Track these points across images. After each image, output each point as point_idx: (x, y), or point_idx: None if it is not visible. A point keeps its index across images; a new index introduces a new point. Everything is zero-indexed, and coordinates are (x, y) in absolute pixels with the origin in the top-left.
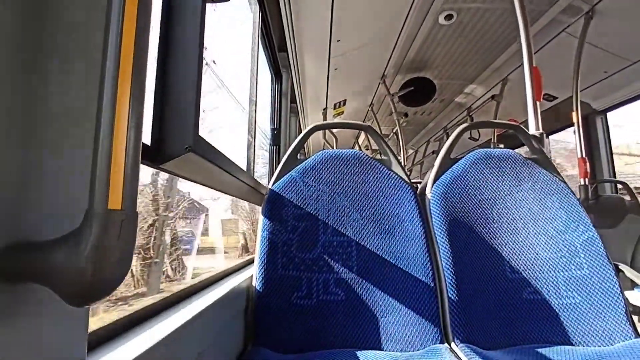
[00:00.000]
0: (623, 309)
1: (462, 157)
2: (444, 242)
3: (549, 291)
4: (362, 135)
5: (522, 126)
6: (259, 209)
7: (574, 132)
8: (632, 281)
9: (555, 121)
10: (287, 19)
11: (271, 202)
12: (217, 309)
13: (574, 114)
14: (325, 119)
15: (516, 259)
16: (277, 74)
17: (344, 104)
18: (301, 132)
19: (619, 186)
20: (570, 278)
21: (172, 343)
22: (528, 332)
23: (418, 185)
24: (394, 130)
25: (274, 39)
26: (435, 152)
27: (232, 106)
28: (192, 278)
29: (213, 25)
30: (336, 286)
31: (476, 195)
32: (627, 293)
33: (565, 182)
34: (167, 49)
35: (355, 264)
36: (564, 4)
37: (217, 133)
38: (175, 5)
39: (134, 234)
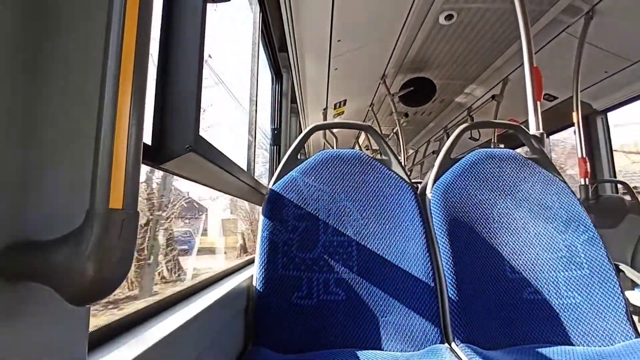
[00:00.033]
0: (623, 309)
1: (463, 157)
2: (444, 242)
3: (549, 291)
4: (363, 135)
5: (522, 126)
6: (258, 208)
7: (574, 132)
8: (632, 281)
9: (556, 121)
10: (287, 19)
11: (271, 202)
12: (217, 309)
13: (574, 114)
14: (325, 119)
15: (516, 259)
16: (277, 74)
17: (344, 104)
18: (301, 132)
19: (620, 186)
20: (571, 278)
21: (172, 343)
22: (528, 332)
23: (418, 185)
24: (394, 130)
25: (274, 39)
26: (436, 152)
27: (228, 102)
28: (189, 280)
29: (214, 25)
30: (336, 286)
31: (476, 195)
32: (628, 293)
33: (565, 182)
34: (168, 49)
35: (355, 264)
36: (564, 4)
37: (213, 130)
38: (176, 5)
39: (135, 234)
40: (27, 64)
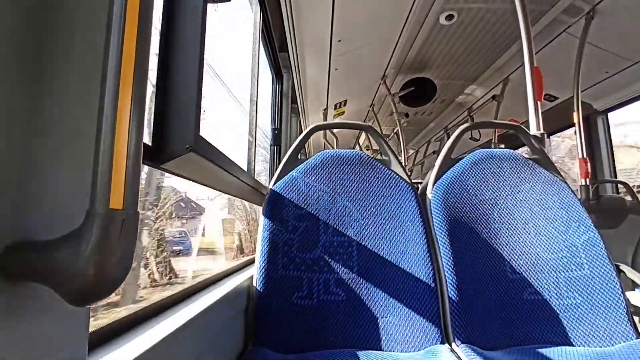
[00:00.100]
0: (624, 310)
1: (463, 157)
2: (444, 243)
3: (549, 291)
4: (363, 136)
5: (522, 126)
6: (256, 208)
7: (575, 132)
8: (633, 281)
9: (556, 121)
10: (287, 19)
11: (272, 202)
12: (217, 309)
13: (574, 114)
14: (326, 119)
15: (517, 259)
16: (277, 74)
17: (345, 104)
18: (302, 132)
19: (620, 186)
20: (571, 278)
21: (172, 343)
22: (529, 332)
23: (419, 185)
24: (395, 131)
25: (274, 39)
26: (436, 153)
27: (225, 98)
28: (181, 283)
29: (214, 25)
30: (337, 286)
31: (477, 196)
32: (628, 293)
33: (566, 183)
34: (168, 49)
35: (355, 264)
36: (565, 4)
37: (213, 129)
38: (176, 5)
39: (135, 234)
40: (27, 65)
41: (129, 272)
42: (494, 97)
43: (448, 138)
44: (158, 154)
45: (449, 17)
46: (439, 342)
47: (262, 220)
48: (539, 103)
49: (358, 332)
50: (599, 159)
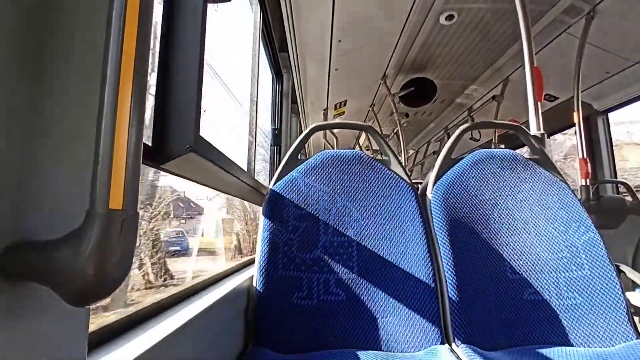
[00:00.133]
0: (624, 310)
1: (463, 157)
2: (444, 243)
3: (550, 292)
4: (363, 136)
5: (523, 127)
6: (254, 208)
7: (575, 132)
8: (633, 282)
9: (557, 122)
10: (288, 19)
11: (272, 203)
12: (217, 309)
13: (575, 114)
14: (326, 119)
15: (517, 260)
16: (278, 74)
17: (345, 104)
18: (302, 132)
19: (620, 187)
20: (571, 279)
21: (172, 343)
22: (529, 332)
23: (419, 185)
24: (395, 131)
25: (274, 39)
26: (436, 153)
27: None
28: (176, 285)
29: (214, 25)
30: (337, 286)
31: (477, 196)
32: (628, 294)
33: (566, 183)
34: (168, 49)
35: (355, 265)
36: (565, 4)
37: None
38: (177, 5)
39: (135, 234)
40: (27, 65)
41: (129, 272)
42: (494, 97)
43: (448, 138)
44: (158, 154)
45: (449, 17)
46: (439, 343)
47: (262, 220)
48: (539, 103)
49: (358, 332)
50: (599, 159)
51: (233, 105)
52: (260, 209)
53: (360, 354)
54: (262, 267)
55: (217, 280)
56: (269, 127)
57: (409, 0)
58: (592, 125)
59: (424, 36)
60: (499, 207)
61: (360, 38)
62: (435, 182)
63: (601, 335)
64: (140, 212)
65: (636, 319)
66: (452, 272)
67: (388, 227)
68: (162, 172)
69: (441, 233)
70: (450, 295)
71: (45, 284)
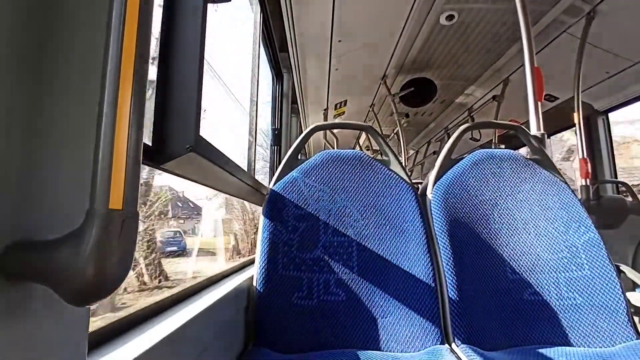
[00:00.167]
0: (624, 310)
1: (463, 157)
2: (444, 243)
3: (550, 292)
4: (363, 136)
5: (523, 127)
6: (252, 208)
7: (575, 132)
8: (633, 282)
9: (557, 122)
10: (288, 20)
11: (272, 203)
12: (217, 309)
13: (575, 114)
14: (326, 119)
15: (517, 260)
16: (278, 75)
17: (345, 105)
18: (302, 132)
19: (621, 187)
20: (572, 279)
21: (172, 343)
22: (529, 333)
23: (419, 185)
24: (395, 131)
25: (274, 39)
26: (436, 153)
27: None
28: (170, 287)
29: (214, 25)
30: (337, 286)
31: (477, 196)
32: (629, 294)
33: (566, 183)
34: (168, 49)
35: (355, 265)
36: (565, 5)
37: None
38: (177, 5)
39: (135, 234)
40: (27, 65)
41: (129, 272)
42: (494, 97)
43: (448, 138)
44: (158, 154)
45: (450, 18)
46: (439, 343)
47: (262, 220)
48: (539, 103)
49: (358, 332)
50: (600, 160)
51: (233, 105)
52: (259, 208)
53: (360, 354)
54: (262, 267)
55: (217, 281)
56: (269, 127)
57: (409, 0)
58: (592, 125)
59: (424, 36)
60: (499, 207)
61: (360, 38)
62: (435, 182)
63: (601, 336)
64: None
65: (636, 319)
66: (452, 272)
67: (388, 227)
68: (157, 171)
69: (441, 233)
70: (450, 295)
71: (45, 284)
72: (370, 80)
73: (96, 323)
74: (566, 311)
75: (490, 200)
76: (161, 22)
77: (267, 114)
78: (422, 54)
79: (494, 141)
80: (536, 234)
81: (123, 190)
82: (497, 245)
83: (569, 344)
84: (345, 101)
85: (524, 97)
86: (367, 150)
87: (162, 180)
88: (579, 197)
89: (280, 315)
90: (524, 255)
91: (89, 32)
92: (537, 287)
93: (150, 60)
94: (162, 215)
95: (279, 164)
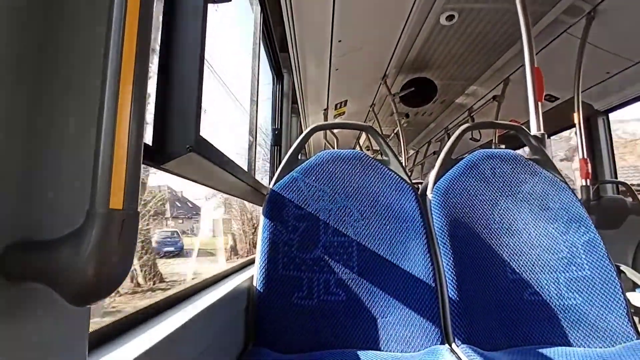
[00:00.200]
0: (624, 310)
1: (464, 157)
2: (444, 243)
3: (550, 292)
4: (363, 136)
5: (523, 127)
6: (251, 207)
7: (576, 133)
8: (633, 282)
9: (557, 122)
10: (288, 20)
11: (272, 202)
12: (217, 309)
13: (575, 114)
14: (326, 119)
15: (517, 260)
16: (278, 75)
17: (345, 105)
18: (302, 132)
19: (621, 187)
20: (572, 279)
21: (172, 343)
22: (529, 333)
23: (419, 185)
24: (395, 131)
25: (275, 39)
26: (437, 153)
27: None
28: (164, 290)
29: (215, 25)
30: (337, 286)
31: (477, 196)
32: (629, 294)
33: (566, 183)
34: (169, 49)
35: (356, 264)
36: (565, 5)
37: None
38: (177, 5)
39: (135, 234)
40: (27, 65)
41: (129, 272)
42: (494, 97)
43: (448, 138)
44: (158, 154)
45: (450, 18)
46: (439, 343)
47: (262, 220)
48: (539, 103)
49: (358, 332)
50: (600, 160)
51: (232, 105)
52: (258, 208)
53: (360, 354)
54: (262, 267)
55: (217, 281)
56: (269, 127)
57: (409, 0)
58: (592, 125)
59: (424, 36)
60: (499, 207)
61: (360, 38)
62: (435, 182)
63: (601, 336)
64: None
65: (636, 319)
66: (452, 272)
67: (388, 227)
68: (152, 170)
69: (441, 233)
70: (450, 295)
71: (46, 283)
72: (371, 80)
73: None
74: (566, 311)
75: (491, 200)
76: (162, 22)
77: (266, 113)
78: (422, 54)
79: (494, 141)
80: (536, 234)
81: (123, 190)
82: (497, 245)
83: (569, 344)
84: (346, 101)
85: (524, 97)
86: (367, 150)
87: (158, 179)
88: (579, 197)
89: (280, 315)
90: (524, 255)
91: (89, 32)
92: (537, 287)
93: (151, 60)
94: (160, 216)
95: (279, 164)
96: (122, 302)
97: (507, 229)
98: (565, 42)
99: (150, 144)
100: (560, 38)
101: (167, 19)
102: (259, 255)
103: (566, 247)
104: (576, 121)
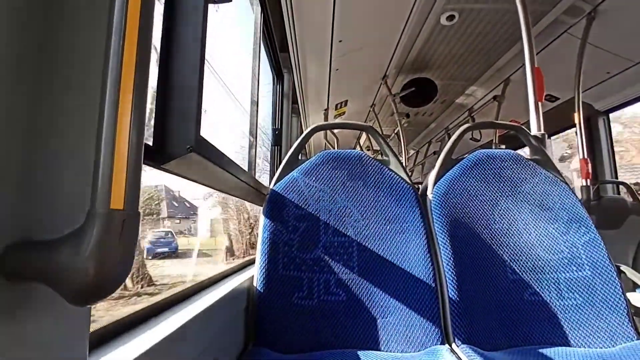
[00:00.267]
0: (625, 311)
1: (464, 158)
2: (445, 243)
3: (550, 292)
4: (364, 136)
5: (523, 127)
6: (248, 207)
7: (576, 133)
8: (633, 282)
9: (557, 122)
10: (288, 20)
11: (272, 203)
12: (217, 309)
13: (575, 114)
14: (326, 119)
15: (517, 260)
16: (278, 75)
17: (345, 105)
18: (302, 132)
19: (622, 187)
20: (572, 279)
21: (172, 343)
22: (529, 333)
23: (419, 186)
24: (396, 131)
25: (275, 39)
26: (437, 153)
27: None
28: (151, 294)
29: (215, 25)
30: (337, 286)
31: (477, 196)
32: (629, 294)
33: (566, 183)
34: (169, 49)
35: (356, 265)
36: (566, 5)
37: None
38: (177, 6)
39: (136, 234)
40: (27, 65)
41: (130, 272)
42: (494, 97)
43: (449, 139)
44: (159, 154)
45: (450, 18)
46: (439, 343)
47: (262, 220)
48: (539, 103)
49: (358, 332)
50: (600, 160)
51: (233, 105)
52: (255, 207)
53: (361, 354)
54: (262, 267)
55: (217, 281)
56: (269, 126)
57: (410, 0)
58: (593, 125)
59: (424, 36)
60: (499, 207)
61: (360, 38)
62: (435, 183)
63: (602, 336)
64: None
65: (637, 319)
66: (452, 272)
67: (388, 227)
68: (145, 167)
69: (441, 233)
70: (451, 296)
71: (47, 283)
72: (371, 81)
73: None
74: (566, 311)
75: (491, 201)
76: (162, 22)
77: (266, 113)
78: (422, 54)
79: (494, 141)
80: (537, 234)
81: (124, 190)
82: (497, 245)
83: (569, 344)
84: (346, 101)
85: (525, 97)
86: (368, 150)
87: (151, 176)
88: (580, 197)
89: (280, 315)
90: (524, 255)
91: (90, 32)
92: (538, 287)
93: (151, 60)
94: (156, 215)
95: (280, 164)
96: (107, 308)
97: (508, 229)
98: (565, 42)
99: (151, 144)
100: (560, 38)
101: (167, 19)
102: (259, 255)
103: (566, 247)
104: (576, 121)
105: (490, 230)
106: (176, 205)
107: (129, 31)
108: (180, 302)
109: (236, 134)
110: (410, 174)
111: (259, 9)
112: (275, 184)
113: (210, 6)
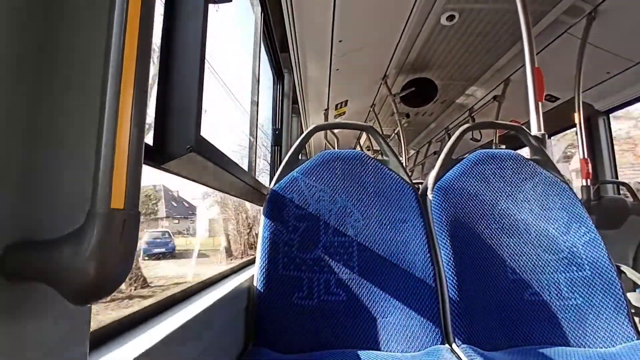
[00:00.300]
0: (625, 311)
1: (464, 158)
2: (445, 243)
3: (550, 292)
4: (364, 136)
5: (523, 127)
6: (247, 207)
7: (576, 133)
8: (634, 282)
9: (558, 122)
10: (289, 20)
11: (272, 203)
12: (217, 309)
13: (576, 115)
14: (326, 119)
15: (517, 260)
16: (279, 75)
17: (346, 105)
18: (303, 132)
19: (622, 187)
20: (572, 279)
21: (172, 343)
22: (529, 333)
23: (419, 185)
24: (396, 131)
25: (275, 39)
26: (437, 153)
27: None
28: (146, 297)
29: (215, 25)
30: (337, 286)
31: (477, 196)
32: (629, 294)
33: (567, 183)
34: (170, 49)
35: (356, 265)
36: (566, 5)
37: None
38: (178, 6)
39: (136, 234)
40: (28, 65)
41: (130, 271)
42: (495, 97)
43: (449, 139)
44: (159, 154)
45: (450, 18)
46: (439, 343)
47: (262, 220)
48: (540, 104)
49: (358, 332)
50: (600, 160)
51: (233, 105)
52: (254, 207)
53: (361, 353)
54: (262, 267)
55: (217, 280)
56: (269, 127)
57: (410, 0)
58: (593, 125)
59: (424, 36)
60: (499, 207)
61: (360, 38)
62: (435, 183)
63: (602, 336)
64: None
65: (637, 319)
66: (452, 272)
67: (389, 227)
68: (144, 167)
69: (441, 233)
70: (451, 295)
71: (47, 282)
72: (371, 81)
73: None
74: (567, 311)
75: (491, 201)
76: (162, 22)
77: (266, 113)
78: (422, 54)
79: (494, 141)
80: (537, 234)
81: (124, 190)
82: (497, 245)
83: (569, 344)
84: (346, 101)
85: (525, 97)
86: (368, 150)
87: (151, 177)
88: (580, 197)
89: (280, 315)
90: (524, 255)
91: (90, 32)
92: (538, 287)
93: (152, 61)
94: (152, 215)
95: (280, 164)
96: (99, 311)
97: (508, 229)
98: (565, 42)
99: (151, 144)
100: (560, 38)
101: (167, 19)
102: (259, 255)
103: (566, 247)
104: (577, 121)
105: (490, 230)
106: (175, 205)
107: (129, 31)
108: (180, 302)
109: (236, 134)
110: (410, 174)
111: (259, 9)
112: (275, 184)
113: (211, 6)
